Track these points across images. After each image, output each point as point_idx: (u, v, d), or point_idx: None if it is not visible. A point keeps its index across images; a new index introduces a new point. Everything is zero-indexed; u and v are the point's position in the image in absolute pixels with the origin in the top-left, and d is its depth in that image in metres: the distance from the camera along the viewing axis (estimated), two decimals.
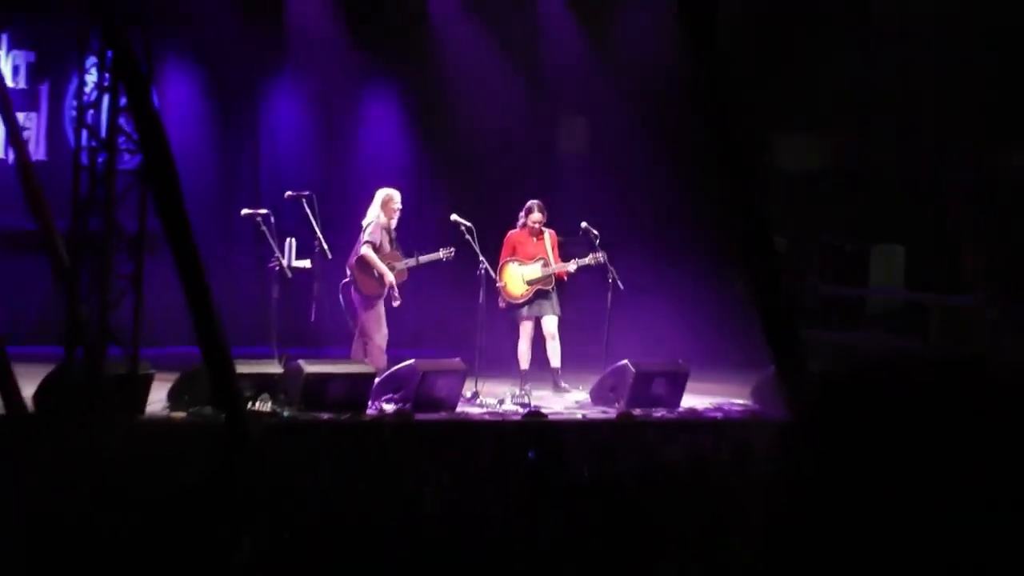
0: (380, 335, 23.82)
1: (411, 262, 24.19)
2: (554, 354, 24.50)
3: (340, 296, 24.09)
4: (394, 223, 24.23)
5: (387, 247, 23.91)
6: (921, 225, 26.88)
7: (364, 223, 24.06)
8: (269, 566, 10.38)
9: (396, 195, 24.37)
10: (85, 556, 10.67)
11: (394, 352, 23.98)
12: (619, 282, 24.62)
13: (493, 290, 24.21)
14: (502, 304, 24.59)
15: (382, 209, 24.09)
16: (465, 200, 25.08)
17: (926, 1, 25.70)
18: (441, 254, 24.10)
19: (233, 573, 10.24)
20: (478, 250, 23.99)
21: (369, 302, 23.82)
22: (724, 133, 13.28)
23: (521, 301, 24.40)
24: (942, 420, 1.86)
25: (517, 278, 24.34)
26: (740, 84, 14.55)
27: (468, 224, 24.17)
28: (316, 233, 24.38)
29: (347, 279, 23.94)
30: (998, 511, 1.82)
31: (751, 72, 23.22)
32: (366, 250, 23.77)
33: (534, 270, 24.31)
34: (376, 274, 23.72)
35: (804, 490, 1.91)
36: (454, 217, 24.22)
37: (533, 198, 24.89)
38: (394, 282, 23.74)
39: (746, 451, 16.14)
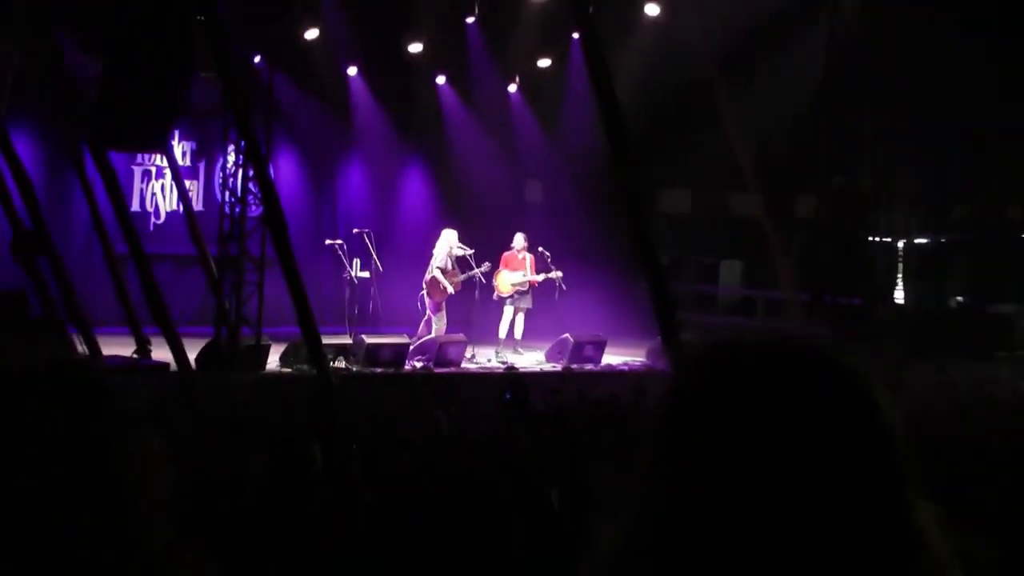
0: (443, 324, 23.82)
1: (462, 277, 24.23)
2: (519, 331, 24.44)
3: (418, 303, 24.15)
4: (455, 251, 24.26)
5: (450, 267, 23.95)
6: (755, 249, 26.84)
7: (435, 252, 24.06)
8: (344, 466, 10.44)
9: (454, 233, 24.39)
10: (230, 460, 10.67)
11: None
12: (563, 285, 24.71)
13: (484, 290, 24.28)
14: (495, 297, 24.54)
15: (447, 243, 24.19)
16: (465, 232, 25.02)
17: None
18: (483, 268, 24.20)
19: (319, 471, 10.29)
20: (474, 265, 24.06)
21: (437, 305, 23.82)
22: (627, 187, 13.31)
23: (506, 296, 24.44)
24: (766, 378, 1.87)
25: (506, 282, 24.38)
26: (639, 157, 14.68)
27: (470, 251, 24.25)
28: (372, 255, 24.48)
29: (422, 291, 23.97)
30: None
31: (646, 149, 23.19)
32: (436, 273, 23.78)
33: (516, 277, 24.37)
34: (441, 287, 23.78)
35: (679, 420, 1.89)
36: (460, 246, 24.34)
37: (515, 231, 25.02)
38: (453, 291, 23.87)
39: (642, 391, 16.31)
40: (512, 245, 24.66)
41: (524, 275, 24.44)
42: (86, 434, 1.97)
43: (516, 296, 24.48)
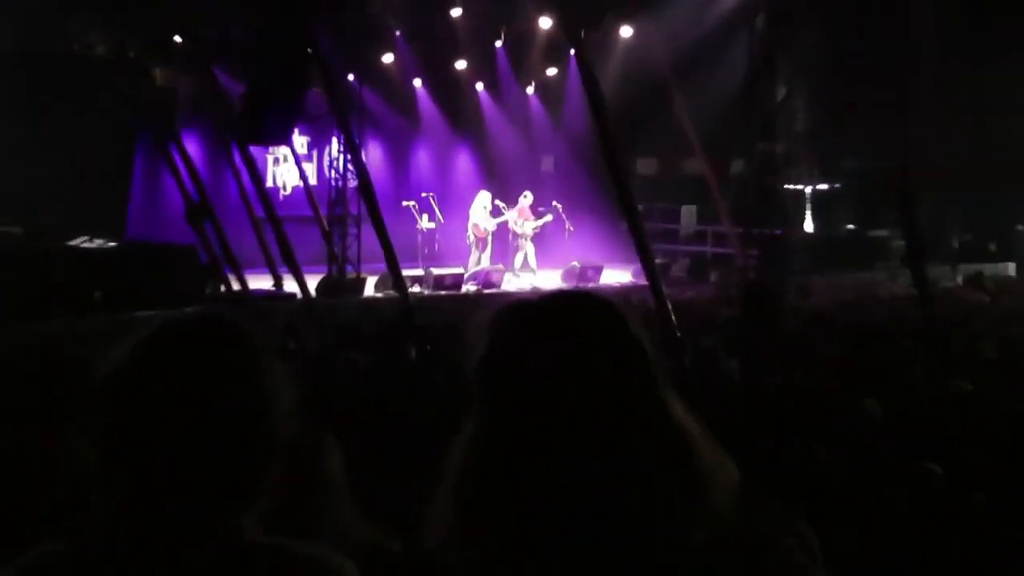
0: (487, 257, 23.84)
1: (539, 223, 24.37)
2: (534, 260, 24.32)
3: (468, 243, 24.20)
4: (488, 207, 24.16)
5: (485, 218, 24.03)
6: (704, 197, 26.68)
7: (472, 209, 24.12)
8: (422, 356, 10.42)
9: (487, 194, 24.40)
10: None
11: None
12: (571, 226, 24.70)
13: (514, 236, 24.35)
14: (520, 238, 24.46)
15: (480, 201, 24.21)
16: (499, 193, 24.95)
17: None
18: (508, 216, 24.23)
19: (413, 363, 10.27)
20: (508, 215, 24.11)
21: (483, 243, 23.91)
22: (611, 157, 13.26)
23: (530, 236, 24.43)
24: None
25: (528, 227, 24.37)
26: (617, 133, 14.58)
27: (503, 203, 24.25)
28: (435, 211, 24.51)
29: (468, 236, 24.14)
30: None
31: (622, 127, 22.94)
32: (478, 221, 23.91)
33: (533, 224, 24.41)
34: (482, 229, 23.86)
35: (496, 361, 1.84)
36: (496, 201, 24.28)
37: (533, 192, 25.06)
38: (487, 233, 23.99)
39: (627, 299, 16.22)
40: (523, 202, 24.63)
41: (536, 222, 24.44)
42: (228, 369, 1.95)
43: (532, 237, 24.46)
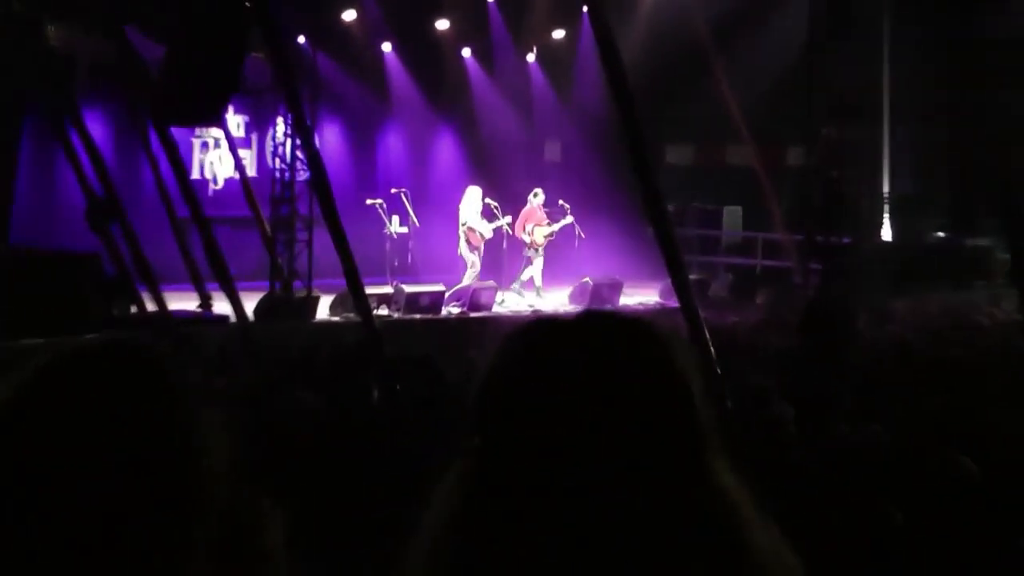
0: (477, 270, 23.86)
1: (556, 227, 24.43)
2: (539, 277, 24.35)
3: (459, 254, 24.29)
4: (480, 206, 24.16)
5: (478, 220, 24.03)
6: (753, 195, 26.74)
7: (461, 208, 24.09)
8: (389, 398, 10.41)
9: (478, 190, 24.37)
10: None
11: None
12: (581, 233, 24.69)
13: (511, 242, 24.25)
14: (531, 249, 24.46)
15: (471, 200, 24.15)
16: (491, 190, 24.99)
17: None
18: (503, 221, 24.11)
19: (376, 409, 10.27)
20: (500, 216, 24.10)
21: (474, 251, 23.98)
22: (635, 143, 13.26)
23: (540, 246, 24.37)
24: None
25: (540, 234, 24.35)
26: (642, 114, 14.60)
27: (495, 203, 24.23)
28: (409, 212, 24.50)
29: (459, 245, 24.16)
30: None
31: (649, 106, 23.05)
32: (472, 224, 23.91)
33: (547, 229, 24.37)
34: (478, 235, 23.89)
35: (496, 393, 1.88)
36: (486, 200, 24.24)
37: (536, 187, 25.06)
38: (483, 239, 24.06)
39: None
40: (533, 201, 24.58)
41: (551, 226, 24.40)
42: (142, 414, 1.93)
43: (544, 246, 24.42)
